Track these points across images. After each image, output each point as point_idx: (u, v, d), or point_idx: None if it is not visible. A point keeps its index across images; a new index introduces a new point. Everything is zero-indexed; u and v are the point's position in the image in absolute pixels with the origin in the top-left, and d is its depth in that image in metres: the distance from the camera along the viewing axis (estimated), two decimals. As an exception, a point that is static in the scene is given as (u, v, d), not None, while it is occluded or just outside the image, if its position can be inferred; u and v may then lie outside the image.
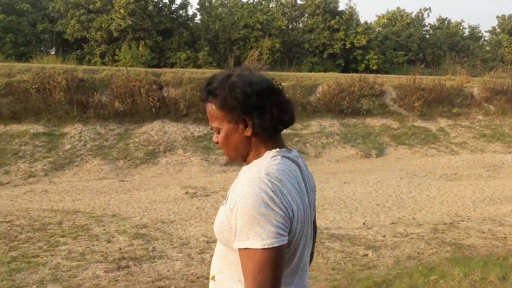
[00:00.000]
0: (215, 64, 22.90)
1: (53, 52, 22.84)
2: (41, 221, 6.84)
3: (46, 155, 12.30)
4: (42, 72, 14.85)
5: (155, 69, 17.76)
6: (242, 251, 1.15)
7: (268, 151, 1.30)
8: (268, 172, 1.20)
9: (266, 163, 1.24)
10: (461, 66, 26.55)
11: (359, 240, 5.84)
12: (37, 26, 22.90)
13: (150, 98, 14.81)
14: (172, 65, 22.22)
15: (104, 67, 18.09)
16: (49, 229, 6.46)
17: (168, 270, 4.67)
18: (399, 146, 15.31)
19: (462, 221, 6.94)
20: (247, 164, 1.31)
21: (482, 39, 35.92)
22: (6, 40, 21.55)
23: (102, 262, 4.97)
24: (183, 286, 4.19)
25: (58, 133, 13.37)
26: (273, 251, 1.13)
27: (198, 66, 22.10)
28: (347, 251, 5.31)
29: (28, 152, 12.19)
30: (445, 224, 6.73)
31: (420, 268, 4.51)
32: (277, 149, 1.30)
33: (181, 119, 15.02)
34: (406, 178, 10.56)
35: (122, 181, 11.05)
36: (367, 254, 5.18)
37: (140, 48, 20.88)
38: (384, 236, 6.00)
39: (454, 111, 18.45)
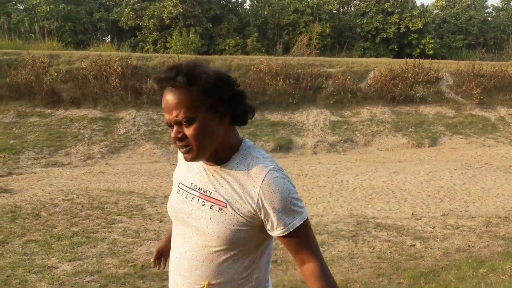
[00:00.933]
0: (263, 50, 22.85)
1: (108, 39, 23.80)
2: (99, 200, 7.30)
3: (102, 138, 12.97)
4: (99, 59, 15.58)
5: (205, 56, 18.06)
6: (295, 231, 1.21)
7: (244, 140, 1.31)
8: (271, 160, 1.26)
9: (262, 153, 1.28)
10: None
11: (406, 230, 5.73)
12: (93, 15, 23.91)
13: (200, 85, 15.15)
14: (221, 52, 22.44)
15: (157, 54, 18.65)
16: (107, 208, 6.91)
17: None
18: (454, 136, 14.65)
19: (519, 215, 6.59)
20: (214, 158, 1.25)
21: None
22: (65, 28, 22.61)
23: (155, 239, 5.27)
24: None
25: (113, 118, 14.04)
26: (308, 220, 1.25)
27: (247, 53, 22.16)
28: (394, 241, 5.24)
29: (87, 136, 12.89)
30: (500, 217, 6.43)
31: (470, 261, 4.37)
32: (246, 139, 1.33)
33: (229, 106, 15.28)
34: (460, 169, 10.12)
35: (173, 164, 11.46)
36: (414, 245, 5.08)
37: (190, 35, 21.23)
38: (433, 228, 5.85)
39: (517, 99, 17.32)
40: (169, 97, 1.17)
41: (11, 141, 12.05)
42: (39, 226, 5.81)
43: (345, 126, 14.61)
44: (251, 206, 1.19)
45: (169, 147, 13.06)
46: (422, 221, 6.20)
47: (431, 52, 24.30)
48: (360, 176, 9.38)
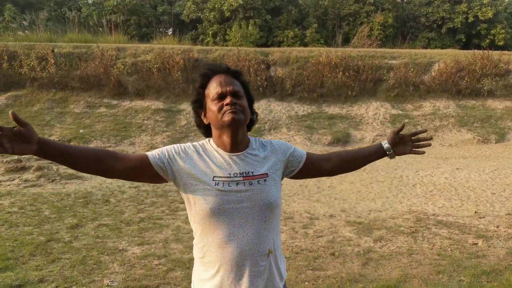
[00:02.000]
0: (322, 42, 22.54)
1: (170, 32, 24.52)
2: (162, 188, 7.75)
3: (165, 129, 13.56)
4: (163, 52, 16.20)
5: (264, 48, 18.18)
6: (307, 153, 1.70)
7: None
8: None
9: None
10: None
11: (469, 228, 5.58)
12: (157, 8, 24.81)
13: (258, 78, 15.30)
14: (279, 44, 22.44)
15: (217, 47, 19.05)
16: (170, 196, 7.34)
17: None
18: (525, 132, 13.74)
19: None
20: (240, 146, 1.52)
21: None
22: (131, 22, 23.58)
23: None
24: (287, 256, 4.51)
25: (175, 109, 14.56)
26: None
27: (305, 44, 22.00)
28: (455, 239, 5.13)
29: (150, 126, 13.43)
30: None
31: (537, 263, 4.21)
32: None
33: (286, 98, 15.29)
34: (530, 167, 9.53)
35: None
36: (476, 243, 4.95)
37: (249, 27, 21.40)
38: (497, 227, 5.64)
39: None
40: (225, 78, 1.52)
41: (81, 130, 12.78)
42: (109, 212, 6.30)
43: (406, 120, 14.15)
44: (281, 162, 1.57)
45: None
46: (486, 220, 5.99)
47: (501, 43, 22.74)
48: (421, 172, 9.14)
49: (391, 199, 7.22)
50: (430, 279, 3.91)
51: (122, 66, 15.41)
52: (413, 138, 1.70)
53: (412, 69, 15.81)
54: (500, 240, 5.06)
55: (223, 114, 1.45)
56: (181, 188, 1.52)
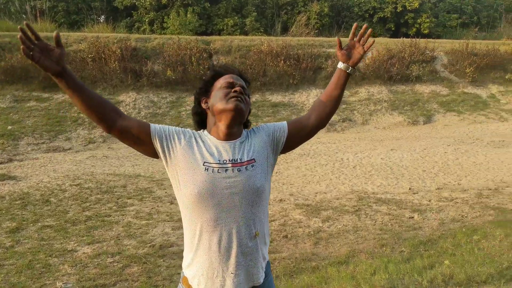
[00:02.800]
0: (262, 30, 22.78)
1: (103, 20, 23.32)
2: (107, 184, 7.48)
3: (103, 122, 13.08)
4: (97, 41, 15.52)
5: (205, 37, 18.03)
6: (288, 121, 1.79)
7: None
8: None
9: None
10: (519, 29, 24.95)
11: (405, 204, 6.10)
12: (87, -6, 23.51)
13: (201, 67, 15.22)
14: (219, 32, 22.34)
15: (155, 35, 18.59)
16: (116, 192, 7.07)
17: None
18: (448, 113, 14.98)
19: (507, 187, 6.98)
20: (234, 135, 1.63)
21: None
22: (58, 8, 22.08)
23: (168, 221, 5.53)
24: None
25: (113, 101, 13.99)
26: None
27: (245, 33, 22.11)
28: (394, 214, 5.61)
29: (87, 120, 12.71)
30: (490, 189, 6.83)
31: (464, 230, 4.75)
32: None
33: (232, 88, 15.38)
34: (453, 145, 10.49)
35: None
36: (413, 217, 5.45)
37: (188, 15, 21.04)
38: (429, 201, 6.22)
39: (507, 77, 17.55)
40: (237, 77, 1.68)
41: (10, 127, 11.97)
42: (51, 212, 5.95)
43: (344, 106, 14.87)
44: (267, 144, 1.65)
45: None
46: (419, 195, 6.58)
47: (426, 31, 24.41)
48: (360, 154, 9.72)
49: (334, 181, 7.65)
50: (375, 252, 4.27)
51: (53, 57, 14.55)
52: (355, 40, 1.74)
53: (347, 57, 16.54)
54: (432, 213, 5.61)
55: (228, 99, 1.57)
56: (171, 169, 1.58)
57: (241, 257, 1.52)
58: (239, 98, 1.58)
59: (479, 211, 5.63)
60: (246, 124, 1.73)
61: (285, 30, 23.23)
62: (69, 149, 11.46)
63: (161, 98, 14.70)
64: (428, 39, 19.49)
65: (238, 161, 1.56)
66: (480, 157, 9.22)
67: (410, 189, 6.99)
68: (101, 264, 4.15)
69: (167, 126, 1.62)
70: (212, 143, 1.60)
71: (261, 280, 1.59)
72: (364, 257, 4.14)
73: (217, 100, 1.60)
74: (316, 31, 22.46)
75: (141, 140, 1.56)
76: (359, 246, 4.52)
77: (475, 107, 15.52)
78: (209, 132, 1.64)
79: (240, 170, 1.54)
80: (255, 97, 14.98)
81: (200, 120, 1.73)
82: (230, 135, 1.60)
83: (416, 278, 3.32)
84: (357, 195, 6.64)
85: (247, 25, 22.48)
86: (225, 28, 22.38)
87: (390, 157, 9.36)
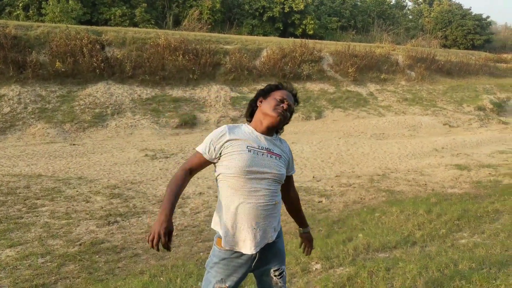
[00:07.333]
0: (153, 22, 22.35)
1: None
2: (6, 185, 6.89)
3: (-18, 118, 11.76)
4: (-32, 28, 13.79)
5: (95, 27, 17.12)
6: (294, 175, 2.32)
7: None
8: None
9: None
10: (387, 34, 28.46)
11: (312, 190, 6.84)
12: None
13: (94, 59, 14.46)
14: (106, 22, 21.32)
15: (39, 23, 17.01)
16: (20, 193, 6.55)
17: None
18: (335, 109, 16.59)
19: (392, 172, 8.22)
20: (271, 132, 2.12)
21: (406, 8, 38.38)
22: None
23: (90, 219, 5.40)
24: (175, 234, 4.84)
25: (-8, 95, 12.71)
26: None
27: (135, 24, 21.48)
28: (305, 199, 6.27)
29: None
30: (379, 175, 7.98)
31: (365, 209, 5.59)
32: None
33: (127, 81, 14.89)
34: (343, 138, 11.79)
35: (73, 144, 10.98)
36: (321, 201, 6.18)
37: (70, 2, 19.61)
38: (332, 187, 7.06)
39: (382, 77, 20.13)
40: (291, 96, 2.18)
41: None
42: None
43: (244, 102, 15.47)
44: (287, 156, 2.17)
45: (64, 126, 12.32)
46: (322, 182, 7.40)
47: (311, 32, 26.41)
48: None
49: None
50: (297, 232, 4.80)
51: None
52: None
53: (245, 55, 17.27)
54: (336, 197, 6.41)
55: (275, 108, 2.09)
56: (220, 157, 2.02)
57: (261, 219, 1.99)
58: (282, 113, 2.07)
59: (373, 194, 6.60)
60: (278, 131, 2.22)
61: (177, 24, 23.11)
62: None
63: (50, 91, 13.63)
64: (316, 40, 21.23)
65: (271, 150, 2.06)
66: (367, 148, 10.57)
67: (313, 177, 7.80)
68: (33, 265, 4.00)
69: (210, 139, 2.05)
70: (254, 133, 2.08)
71: (274, 239, 2.08)
72: (289, 238, 4.65)
73: (267, 106, 2.10)
74: (209, 26, 22.81)
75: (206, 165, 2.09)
76: (283, 228, 5.01)
77: (357, 103, 17.44)
78: (251, 124, 2.14)
79: (272, 157, 2.05)
80: (154, 92, 14.78)
81: (252, 111, 2.21)
82: (267, 132, 2.09)
83: (342, 248, 3.92)
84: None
85: (137, 16, 21.82)
86: (112, 18, 21.41)
87: (293, 149, 10.05)
